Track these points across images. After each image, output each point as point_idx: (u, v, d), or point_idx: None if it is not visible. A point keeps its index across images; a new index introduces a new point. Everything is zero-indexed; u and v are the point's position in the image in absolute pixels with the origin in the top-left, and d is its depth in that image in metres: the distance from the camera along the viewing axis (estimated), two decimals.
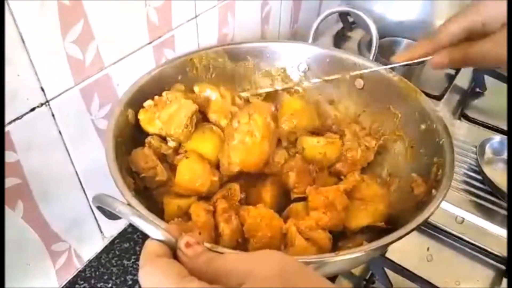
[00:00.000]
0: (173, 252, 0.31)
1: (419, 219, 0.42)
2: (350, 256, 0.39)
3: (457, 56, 0.48)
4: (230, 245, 0.46)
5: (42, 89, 0.47)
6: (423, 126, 0.55)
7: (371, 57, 0.66)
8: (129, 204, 0.39)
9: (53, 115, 0.50)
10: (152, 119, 0.53)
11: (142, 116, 0.53)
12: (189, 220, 0.47)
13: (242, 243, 0.47)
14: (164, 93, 0.55)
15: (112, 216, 0.35)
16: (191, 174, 0.51)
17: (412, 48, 0.53)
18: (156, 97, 0.55)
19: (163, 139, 0.55)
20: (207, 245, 0.33)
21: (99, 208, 0.35)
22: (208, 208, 0.48)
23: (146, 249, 0.30)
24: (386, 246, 0.41)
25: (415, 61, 0.52)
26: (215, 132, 0.55)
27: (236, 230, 0.47)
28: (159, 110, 0.53)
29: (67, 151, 0.54)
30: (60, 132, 0.52)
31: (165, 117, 0.53)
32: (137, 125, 0.54)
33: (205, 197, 0.52)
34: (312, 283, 0.28)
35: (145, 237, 0.32)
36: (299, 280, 0.27)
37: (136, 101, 0.54)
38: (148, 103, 0.54)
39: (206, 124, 0.56)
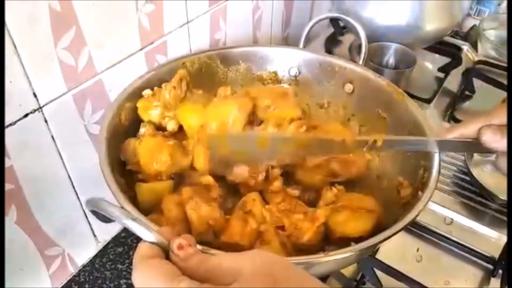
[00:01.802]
0: (166, 253, 0.31)
1: (406, 220, 0.43)
2: (339, 257, 0.40)
3: None
4: (202, 229, 0.47)
5: (35, 95, 0.48)
6: (410, 130, 0.56)
7: (360, 62, 0.67)
8: (122, 208, 0.40)
9: (46, 121, 0.50)
10: (150, 108, 0.55)
11: (140, 104, 0.55)
12: (162, 215, 0.48)
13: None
14: (163, 85, 0.57)
15: (105, 219, 0.35)
16: (149, 154, 0.52)
17: (464, 123, 0.45)
18: (155, 88, 0.56)
19: (157, 129, 0.56)
20: (199, 247, 0.34)
21: (93, 211, 0.36)
22: (178, 201, 0.48)
23: (139, 251, 0.31)
24: (374, 246, 0.42)
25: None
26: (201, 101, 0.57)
27: (205, 215, 0.47)
28: (156, 99, 0.55)
29: (60, 156, 0.54)
30: (53, 138, 0.52)
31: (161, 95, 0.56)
32: (129, 127, 0.55)
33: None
34: (301, 282, 0.29)
35: (139, 241, 0.32)
36: (288, 279, 0.28)
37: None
38: (146, 92, 0.56)
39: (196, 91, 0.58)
